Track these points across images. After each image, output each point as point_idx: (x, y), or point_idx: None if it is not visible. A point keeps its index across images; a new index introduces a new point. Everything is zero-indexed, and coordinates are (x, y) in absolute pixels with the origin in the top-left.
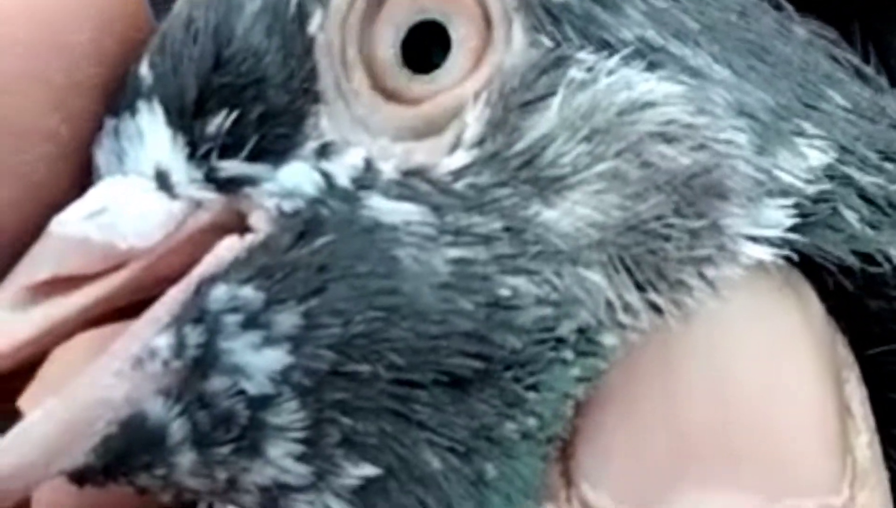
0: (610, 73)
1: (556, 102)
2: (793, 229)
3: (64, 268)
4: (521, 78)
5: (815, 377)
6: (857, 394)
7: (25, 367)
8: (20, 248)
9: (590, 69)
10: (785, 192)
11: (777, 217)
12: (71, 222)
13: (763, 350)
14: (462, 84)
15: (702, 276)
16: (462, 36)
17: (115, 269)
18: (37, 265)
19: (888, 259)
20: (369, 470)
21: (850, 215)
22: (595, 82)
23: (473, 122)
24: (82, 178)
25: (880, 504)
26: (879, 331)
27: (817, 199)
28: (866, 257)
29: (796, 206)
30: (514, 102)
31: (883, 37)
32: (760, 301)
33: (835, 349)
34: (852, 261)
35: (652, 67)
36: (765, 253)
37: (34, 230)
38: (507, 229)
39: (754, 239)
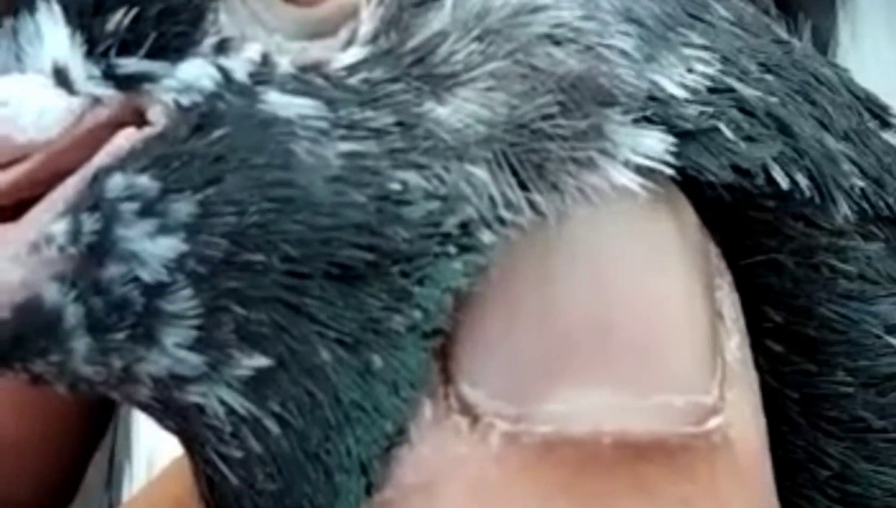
0: None
1: (449, 1)
2: (672, 150)
3: None
4: None
5: (686, 282)
6: (728, 300)
7: None
8: None
9: None
10: (667, 104)
11: (656, 145)
12: None
13: (636, 256)
14: None
15: (581, 179)
16: None
17: (14, 162)
18: None
19: (766, 171)
20: (261, 361)
21: (730, 131)
22: None
23: (367, 19)
24: None
25: (749, 403)
26: (752, 243)
27: (699, 113)
28: (744, 172)
29: (676, 125)
30: (408, 2)
31: None
32: (634, 208)
33: (707, 256)
34: (730, 176)
35: None
36: (640, 180)
37: None
38: (399, 124)
39: (628, 164)
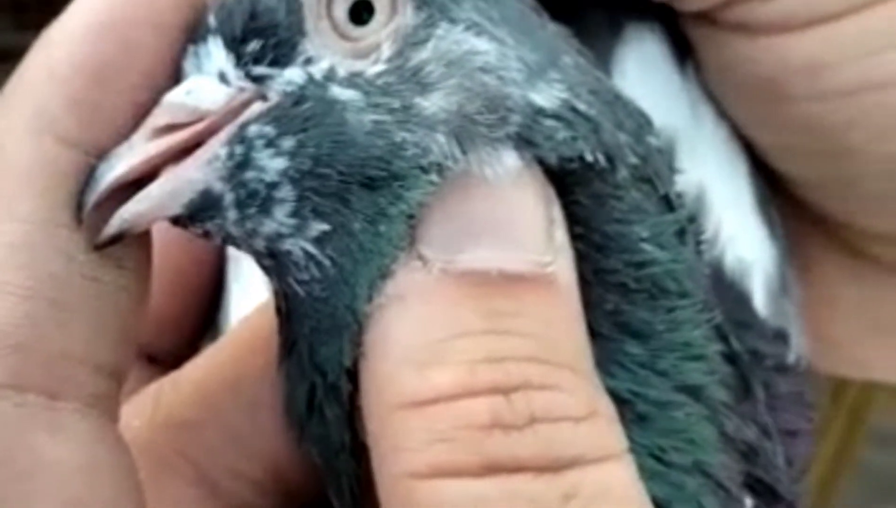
0: (457, 34)
1: (430, 44)
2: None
3: (174, 119)
4: (412, 29)
5: (530, 201)
6: (557, 213)
7: (151, 175)
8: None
9: (447, 30)
10: (537, 115)
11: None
12: (176, 95)
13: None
14: (380, 32)
15: (483, 154)
16: (380, 7)
17: (199, 120)
18: (159, 117)
19: (580, 155)
20: (324, 227)
21: (563, 133)
22: (450, 35)
23: (386, 49)
24: (177, 78)
25: (568, 265)
26: (567, 191)
27: (555, 120)
28: (568, 158)
29: (536, 136)
30: (409, 42)
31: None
32: (515, 170)
33: (547, 190)
34: (557, 159)
35: (477, 34)
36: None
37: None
38: (403, 107)
39: (504, 156)
